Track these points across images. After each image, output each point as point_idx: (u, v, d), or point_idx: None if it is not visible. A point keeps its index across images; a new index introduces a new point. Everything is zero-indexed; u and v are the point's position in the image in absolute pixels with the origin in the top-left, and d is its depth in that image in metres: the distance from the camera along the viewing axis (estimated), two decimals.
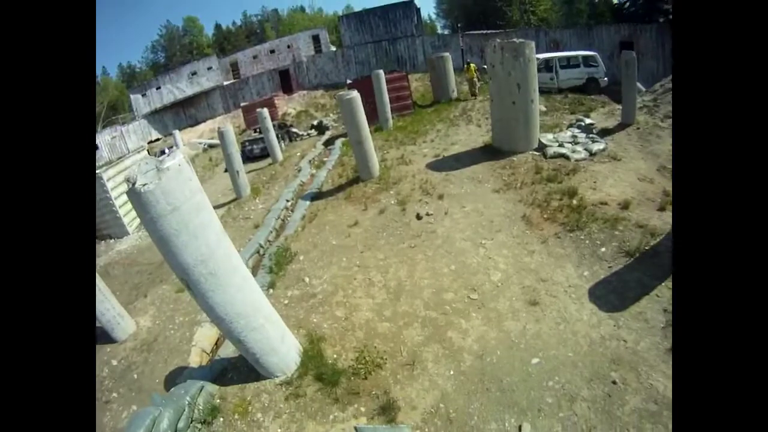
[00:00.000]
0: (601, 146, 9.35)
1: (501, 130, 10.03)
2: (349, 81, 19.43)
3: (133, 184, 3.23)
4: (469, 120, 14.02)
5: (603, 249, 5.87)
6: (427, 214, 7.78)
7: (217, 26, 65.84)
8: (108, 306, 6.57)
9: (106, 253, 11.81)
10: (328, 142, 17.30)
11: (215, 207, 11.59)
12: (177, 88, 33.83)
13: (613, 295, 5.07)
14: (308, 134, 21.04)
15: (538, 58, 10.44)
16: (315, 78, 33.53)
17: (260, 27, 65.55)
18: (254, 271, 7.31)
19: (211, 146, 25.22)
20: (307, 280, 6.77)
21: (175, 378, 5.40)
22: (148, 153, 16.61)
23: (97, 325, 6.47)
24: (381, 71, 15.22)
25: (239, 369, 4.78)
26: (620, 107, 12.28)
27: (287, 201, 10.65)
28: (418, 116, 16.27)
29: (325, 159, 14.31)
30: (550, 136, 10.24)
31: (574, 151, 9.24)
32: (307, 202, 9.98)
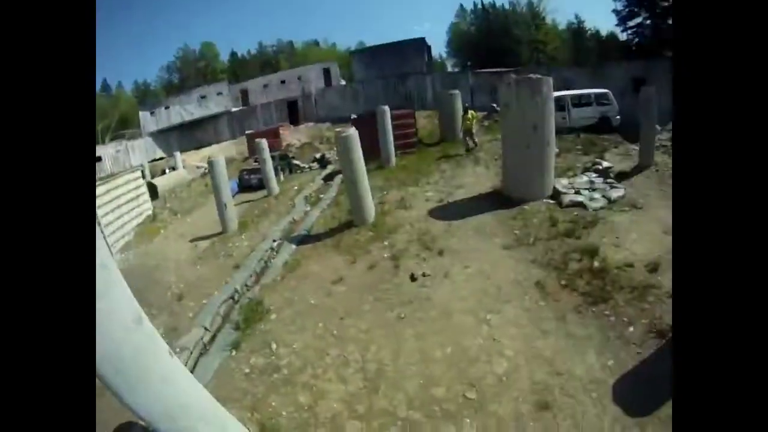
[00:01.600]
0: (620, 193, 8.47)
1: (512, 175, 9.06)
2: (353, 116, 18.76)
3: None
4: (477, 161, 13.08)
5: (631, 329, 4.81)
6: (424, 275, 6.66)
7: (233, 54, 67.10)
8: None
9: None
10: (328, 177, 16.56)
11: (199, 239, 10.72)
12: (185, 110, 34.27)
13: (641, 392, 3.99)
14: (310, 167, 20.41)
15: None
16: (323, 111, 33.24)
17: (275, 57, 66.50)
18: (223, 322, 6.44)
19: None
20: (274, 346, 5.69)
21: None
22: (142, 175, 15.77)
23: None
24: (386, 107, 14.50)
25: None
26: (635, 147, 11.49)
27: (273, 241, 9.68)
28: (423, 155, 15.42)
29: (322, 195, 13.46)
30: (564, 181, 9.25)
31: (591, 199, 8.28)
32: (293, 246, 9.00)
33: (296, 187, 15.49)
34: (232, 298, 7.20)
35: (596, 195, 8.50)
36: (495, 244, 7.35)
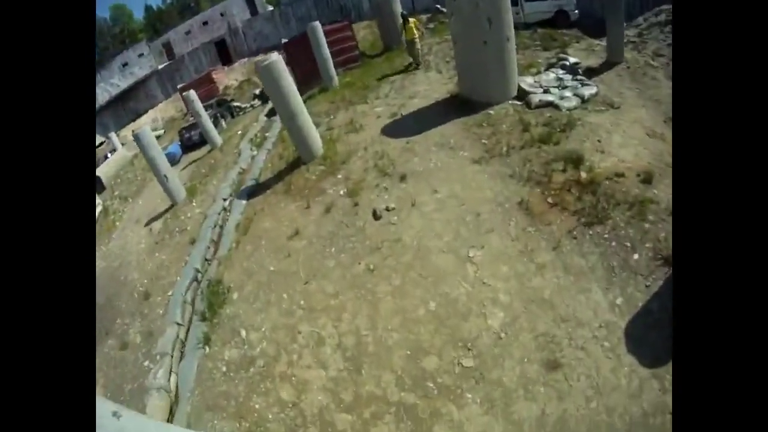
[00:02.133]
0: (593, 90, 7.50)
1: (470, 76, 7.81)
2: (284, 41, 16.84)
3: None
4: (428, 66, 11.55)
5: (636, 256, 4.18)
6: (387, 209, 5.79)
7: (148, 8, 60.31)
8: None
9: None
10: (272, 112, 15.03)
11: (153, 220, 9.97)
12: (110, 84, 30.72)
13: (655, 334, 3.51)
14: (252, 105, 18.80)
15: None
16: (254, 43, 30.22)
17: (193, 0, 60.42)
18: (193, 309, 6.05)
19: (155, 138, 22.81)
20: (244, 333, 5.08)
21: None
22: None
23: None
24: (317, 23, 12.70)
25: None
26: (599, 42, 10.48)
27: (224, 200, 8.71)
28: (368, 68, 13.69)
29: (267, 134, 12.13)
30: (529, 79, 8.07)
31: (562, 98, 7.29)
32: (243, 202, 7.96)
33: (240, 132, 14.04)
34: (195, 279, 6.64)
35: (567, 93, 7.49)
36: (463, 158, 6.39)
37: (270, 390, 4.32)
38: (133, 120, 29.95)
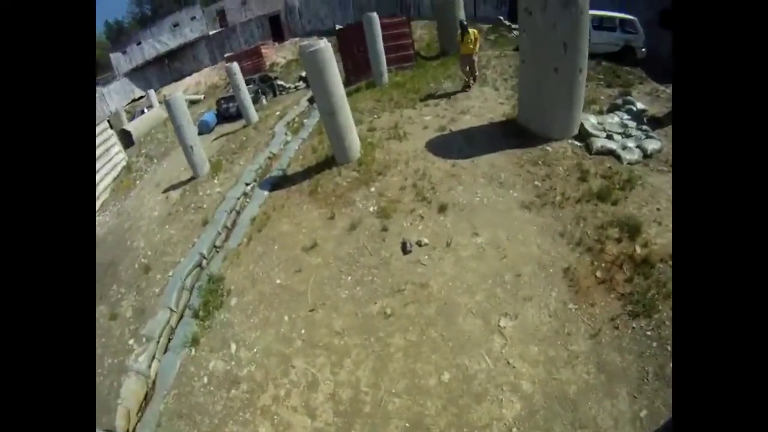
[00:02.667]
0: (657, 146, 6.61)
1: (532, 104, 7.04)
2: (338, 27, 16.19)
3: None
4: (484, 80, 10.70)
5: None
6: (419, 244, 5.17)
7: None
8: None
9: None
10: (314, 98, 14.51)
11: (169, 189, 9.47)
12: (159, 41, 30.85)
13: None
14: (296, 87, 17.92)
15: None
16: (309, 24, 29.64)
17: None
18: (190, 296, 5.65)
19: (193, 102, 22.74)
20: (233, 348, 4.66)
21: None
22: (110, 125, 13.98)
23: None
24: (374, 14, 11.99)
25: None
26: (665, 89, 9.41)
27: (246, 185, 8.18)
28: (421, 71, 12.87)
29: (305, 120, 11.53)
30: (593, 119, 7.23)
31: (625, 148, 6.49)
32: (265, 193, 7.43)
33: (278, 113, 13.41)
34: (199, 265, 6.19)
35: (630, 143, 6.68)
36: (512, 199, 5.72)
37: (248, 422, 3.93)
38: (177, 80, 29.98)
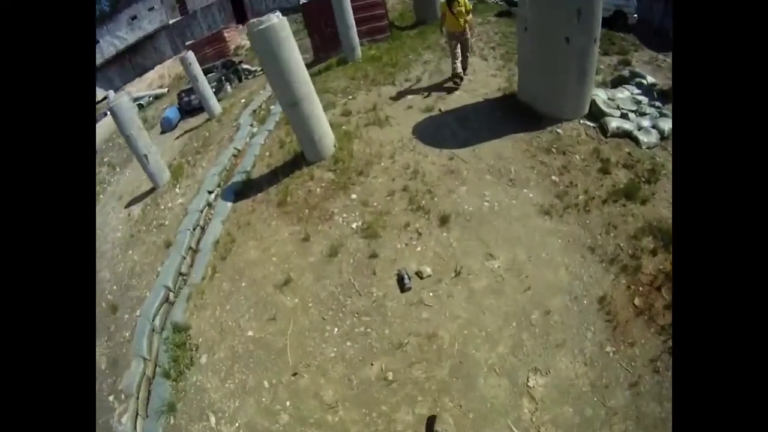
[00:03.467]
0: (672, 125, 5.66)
1: (536, 79, 5.85)
2: (303, 1, 14.71)
3: None
4: (470, 50, 9.60)
5: None
6: (420, 275, 4.14)
7: None
8: None
9: None
10: None
11: (132, 202, 8.50)
12: (117, 37, 28.74)
13: None
14: (262, 69, 16.89)
15: None
16: (273, 2, 27.80)
17: None
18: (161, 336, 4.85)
19: (157, 97, 21.13)
20: (213, 420, 3.78)
21: None
22: None
23: None
24: None
25: None
26: (664, 58, 8.53)
27: (209, 193, 7.08)
28: (397, 42, 11.45)
29: (272, 106, 10.46)
30: (602, 94, 6.14)
31: (641, 128, 5.55)
32: (228, 205, 6.30)
33: (243, 100, 12.11)
34: (166, 299, 5.35)
35: (645, 123, 5.67)
36: (528, 201, 4.69)
37: None
38: (140, 75, 28.05)
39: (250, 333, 4.25)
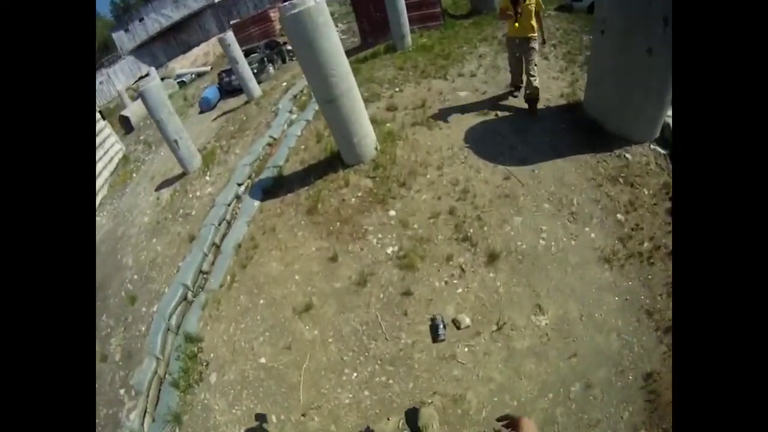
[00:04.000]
0: None
1: (609, 92, 4.95)
2: None
3: None
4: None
5: None
6: (457, 326, 3.57)
7: None
8: None
9: None
10: None
11: (162, 186, 8.37)
12: (162, 15, 29.58)
13: None
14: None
15: None
16: None
17: None
18: (177, 335, 4.65)
19: (200, 74, 21.02)
20: None
21: None
22: (101, 116, 12.69)
23: None
24: None
25: None
26: None
27: (238, 185, 6.72)
28: (451, 31, 10.54)
29: None
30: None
31: None
32: (256, 204, 5.86)
33: (285, 83, 11.54)
34: (184, 298, 5.11)
35: None
36: (588, 244, 3.98)
37: None
38: (184, 52, 28.41)
39: (262, 360, 3.84)
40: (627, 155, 4.69)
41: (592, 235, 4.00)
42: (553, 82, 6.50)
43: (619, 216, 4.13)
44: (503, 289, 3.70)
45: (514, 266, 3.86)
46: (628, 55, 4.43)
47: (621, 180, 4.45)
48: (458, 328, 3.50)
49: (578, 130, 5.19)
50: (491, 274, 3.83)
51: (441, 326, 3.48)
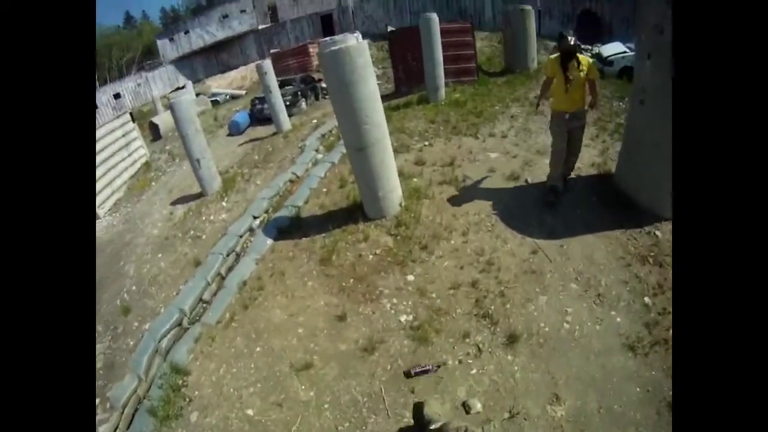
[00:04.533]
0: None
1: (645, 165, 4.68)
2: (390, 29, 14.34)
3: None
4: None
5: None
6: (467, 409, 3.23)
7: None
8: None
9: None
10: None
11: (177, 202, 8.40)
12: (207, 32, 30.55)
13: None
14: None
15: None
16: (362, 25, 27.81)
17: None
18: (164, 359, 4.45)
19: (234, 97, 21.44)
20: None
21: None
22: (132, 118, 12.89)
23: None
24: (434, 15, 9.89)
25: None
26: None
27: (254, 218, 6.59)
28: (484, 88, 10.60)
29: None
30: None
31: None
32: (268, 242, 5.69)
33: (315, 121, 11.63)
34: (180, 324, 4.93)
35: None
36: (614, 329, 3.67)
37: None
38: (223, 72, 29.26)
39: (249, 411, 3.54)
40: (657, 232, 4.44)
41: (618, 319, 3.71)
42: (585, 149, 6.31)
43: (646, 299, 3.83)
44: (520, 375, 3.39)
45: (534, 350, 3.56)
46: (667, 126, 4.24)
47: (650, 260, 4.18)
48: (467, 412, 3.16)
49: (609, 203, 4.99)
50: (509, 357, 3.54)
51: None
